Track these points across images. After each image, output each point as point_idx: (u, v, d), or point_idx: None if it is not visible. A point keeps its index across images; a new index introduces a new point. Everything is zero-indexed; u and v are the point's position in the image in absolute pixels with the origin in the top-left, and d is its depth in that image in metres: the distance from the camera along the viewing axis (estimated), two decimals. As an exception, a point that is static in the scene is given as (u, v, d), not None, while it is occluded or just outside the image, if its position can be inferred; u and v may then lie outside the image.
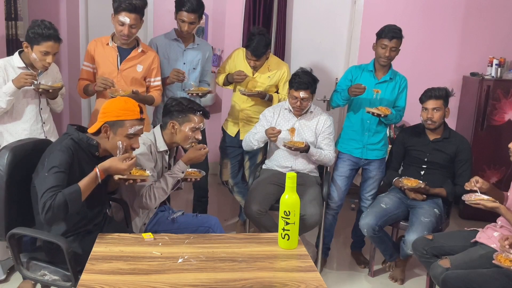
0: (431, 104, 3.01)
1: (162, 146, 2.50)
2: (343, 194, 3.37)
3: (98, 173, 2.00)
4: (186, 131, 2.46)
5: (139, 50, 3.06)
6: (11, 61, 2.70)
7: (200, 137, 2.51)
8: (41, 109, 2.83)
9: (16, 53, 2.73)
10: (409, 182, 3.01)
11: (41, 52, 2.60)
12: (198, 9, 3.15)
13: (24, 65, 2.69)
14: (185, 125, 2.46)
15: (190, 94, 3.14)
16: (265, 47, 3.29)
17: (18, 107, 2.74)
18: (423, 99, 3.06)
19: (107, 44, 3.03)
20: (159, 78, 3.18)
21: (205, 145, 2.54)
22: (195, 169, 2.64)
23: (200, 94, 3.18)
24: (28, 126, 2.77)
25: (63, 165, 1.97)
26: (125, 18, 2.84)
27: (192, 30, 3.22)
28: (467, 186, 2.53)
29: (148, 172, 2.17)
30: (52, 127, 2.95)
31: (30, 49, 2.61)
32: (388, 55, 3.11)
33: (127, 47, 3.04)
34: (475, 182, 2.50)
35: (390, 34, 3.07)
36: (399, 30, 3.12)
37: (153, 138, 2.49)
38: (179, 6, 3.15)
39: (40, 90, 2.70)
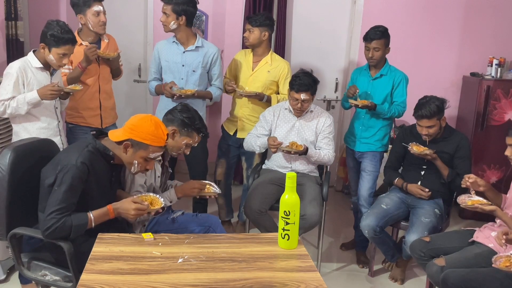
0: (424, 123, 2.96)
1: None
2: (356, 184, 3.52)
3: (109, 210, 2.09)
4: (181, 143, 2.50)
5: (106, 40, 3.23)
6: (28, 62, 2.73)
7: (188, 153, 2.56)
8: (56, 108, 2.91)
9: (31, 53, 2.76)
10: (417, 148, 2.99)
11: (58, 54, 2.66)
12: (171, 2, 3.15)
13: (41, 66, 2.75)
14: (184, 138, 2.50)
15: (176, 96, 3.15)
16: (266, 21, 3.34)
17: (37, 108, 2.77)
18: (415, 116, 3.00)
19: (80, 44, 3.09)
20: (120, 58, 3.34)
21: (202, 185, 2.54)
22: (211, 184, 2.61)
23: (183, 96, 3.14)
24: (46, 125, 2.83)
25: (76, 184, 1.99)
26: (99, 7, 3.06)
27: (168, 23, 3.18)
28: (463, 183, 2.56)
29: (161, 201, 2.21)
30: (62, 124, 3.03)
31: (47, 50, 2.67)
32: (371, 56, 3.24)
33: (95, 41, 3.19)
34: (468, 178, 2.52)
35: (369, 36, 3.22)
36: (381, 31, 3.21)
37: None
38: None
39: (62, 93, 2.80)
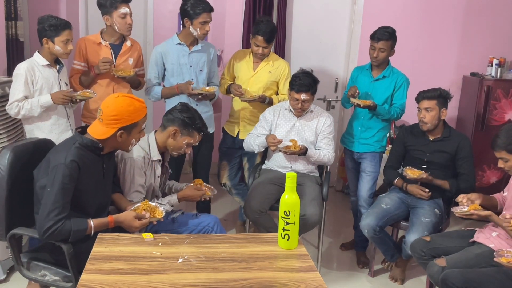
0: (423, 104, 3.02)
1: (156, 156, 2.53)
2: (354, 185, 3.53)
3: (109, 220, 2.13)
4: (182, 143, 2.53)
5: (128, 44, 3.23)
6: (34, 62, 2.82)
7: (189, 152, 2.59)
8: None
9: (36, 53, 2.85)
10: (412, 173, 3.02)
11: (62, 41, 2.77)
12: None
13: (47, 63, 2.83)
14: (185, 137, 2.52)
15: (195, 95, 3.15)
16: (274, 33, 3.35)
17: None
18: (417, 99, 3.08)
19: (99, 43, 3.14)
20: (143, 67, 3.38)
21: (204, 190, 2.62)
22: (209, 187, 2.70)
23: (203, 94, 3.15)
24: (55, 121, 2.91)
25: (67, 182, 1.99)
26: (126, 9, 3.05)
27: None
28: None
29: (161, 210, 2.25)
30: (74, 120, 3.09)
31: (51, 42, 2.76)
32: (376, 56, 3.23)
33: (118, 43, 3.19)
34: (461, 198, 2.54)
35: (377, 36, 3.20)
36: (389, 32, 3.20)
37: (147, 147, 2.51)
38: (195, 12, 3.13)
39: (78, 101, 2.90)
